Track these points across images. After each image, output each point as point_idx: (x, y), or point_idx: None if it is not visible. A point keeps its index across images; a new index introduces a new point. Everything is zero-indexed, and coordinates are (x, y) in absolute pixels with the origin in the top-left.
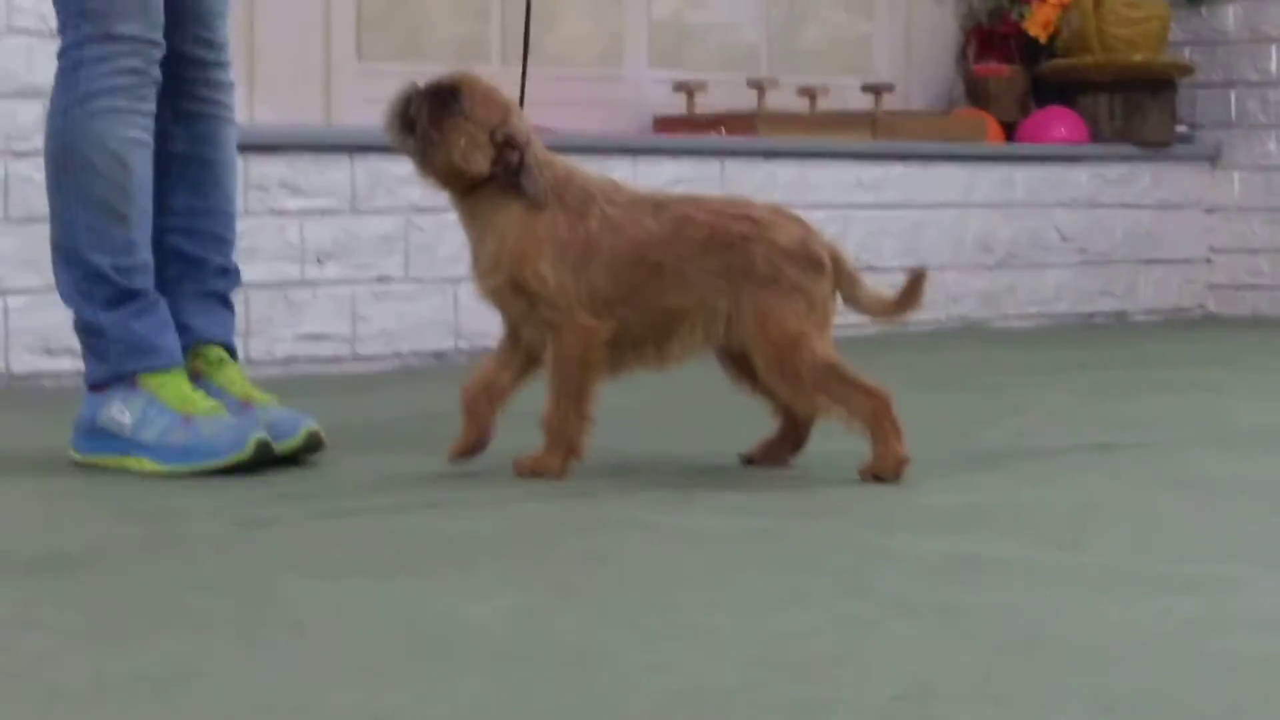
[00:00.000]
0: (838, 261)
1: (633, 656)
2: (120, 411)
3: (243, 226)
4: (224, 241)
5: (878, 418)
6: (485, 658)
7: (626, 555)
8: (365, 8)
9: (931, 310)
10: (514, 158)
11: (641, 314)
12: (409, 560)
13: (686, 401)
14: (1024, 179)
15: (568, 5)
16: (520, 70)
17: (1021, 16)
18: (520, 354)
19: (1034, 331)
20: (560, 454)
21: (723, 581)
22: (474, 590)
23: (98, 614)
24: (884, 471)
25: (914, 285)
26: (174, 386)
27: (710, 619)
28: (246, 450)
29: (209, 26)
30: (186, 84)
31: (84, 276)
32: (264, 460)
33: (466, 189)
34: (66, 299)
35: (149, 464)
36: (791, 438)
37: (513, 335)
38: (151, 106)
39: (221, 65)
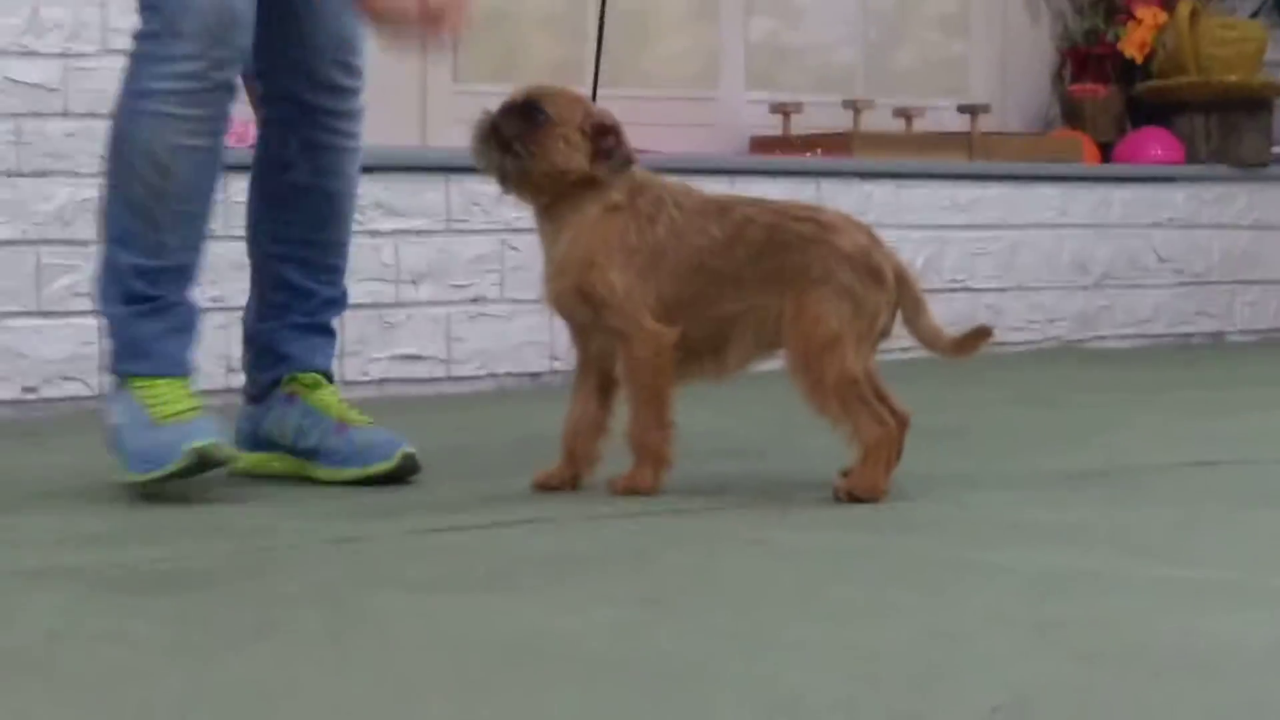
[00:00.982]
0: (904, 282)
1: (728, 670)
2: (113, 413)
3: None
4: (336, 271)
5: (877, 446)
6: (578, 671)
7: (720, 570)
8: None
9: (1027, 331)
10: (611, 141)
11: (700, 323)
12: (501, 576)
13: (777, 418)
14: (1120, 199)
15: (664, 26)
16: (592, 88)
17: (1117, 37)
18: (595, 375)
19: (1130, 351)
20: (650, 467)
21: (817, 595)
22: (567, 604)
23: (189, 629)
24: (861, 493)
25: (976, 336)
26: (162, 393)
27: (805, 633)
28: (180, 461)
29: (352, 50)
30: (320, 115)
31: (107, 269)
32: (203, 468)
33: (556, 196)
34: (94, 286)
35: (125, 471)
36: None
37: (583, 352)
38: (215, 111)
39: (357, 92)
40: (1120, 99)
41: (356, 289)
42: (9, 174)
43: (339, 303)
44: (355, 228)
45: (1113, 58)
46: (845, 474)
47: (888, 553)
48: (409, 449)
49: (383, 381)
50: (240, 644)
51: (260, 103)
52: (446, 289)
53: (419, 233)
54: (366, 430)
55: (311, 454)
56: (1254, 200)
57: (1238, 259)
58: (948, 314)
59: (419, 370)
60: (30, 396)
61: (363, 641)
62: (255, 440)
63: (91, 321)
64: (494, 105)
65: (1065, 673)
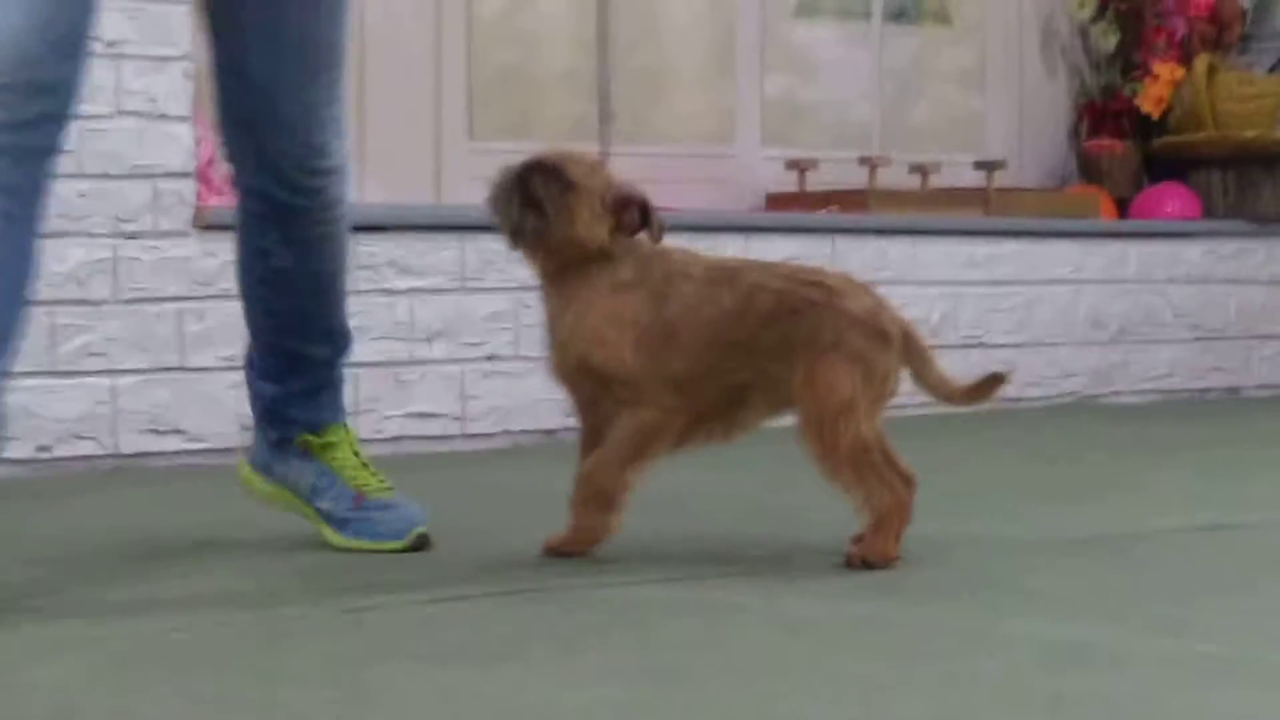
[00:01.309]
0: (909, 338)
1: None
2: None
3: (352, 306)
4: (333, 332)
5: (889, 515)
6: None
7: (727, 642)
8: (476, 86)
9: (1043, 386)
10: (634, 215)
11: (714, 392)
12: (511, 647)
13: (785, 477)
14: (1136, 255)
15: (679, 83)
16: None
17: (1134, 93)
18: (598, 440)
19: (1146, 407)
20: (595, 511)
21: (825, 669)
22: (575, 679)
23: (198, 706)
24: (874, 560)
25: (989, 383)
26: None
27: (812, 709)
28: None
29: (322, 155)
30: (295, 212)
31: None
32: None
33: (564, 263)
34: None
35: None
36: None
37: (586, 421)
38: (24, 175)
39: (330, 180)
40: (1137, 154)
41: (370, 347)
42: None
43: (341, 353)
44: (369, 286)
45: (1129, 113)
46: (857, 540)
47: (899, 623)
48: (422, 528)
49: (397, 439)
50: None
51: (234, 189)
52: (461, 346)
53: (433, 290)
54: (382, 502)
55: (326, 516)
56: (1271, 255)
57: (1255, 314)
58: (963, 369)
59: (433, 428)
60: (44, 456)
61: (373, 715)
62: (272, 474)
63: (105, 381)
64: (515, 162)
65: None
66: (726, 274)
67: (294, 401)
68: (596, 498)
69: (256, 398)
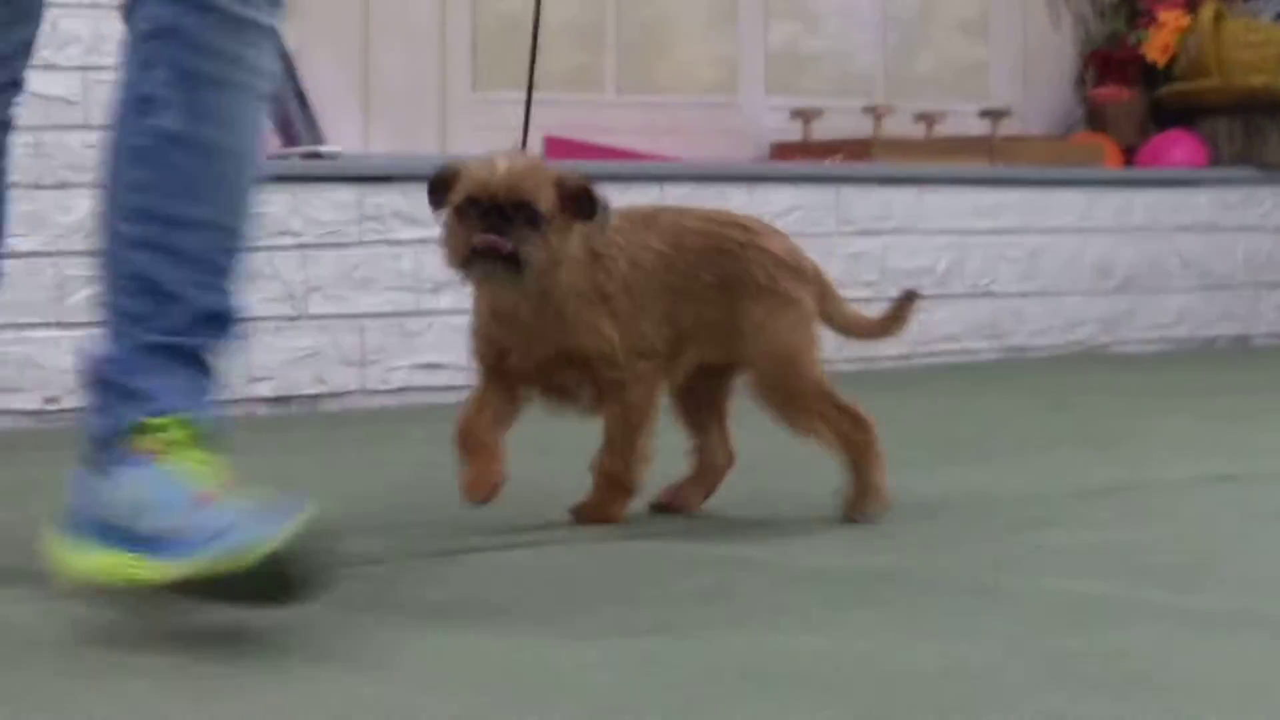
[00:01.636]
0: (820, 277)
1: (741, 705)
2: None
3: (358, 256)
4: (219, 271)
5: (866, 449)
6: (589, 710)
7: (735, 594)
8: (480, 37)
9: (1050, 335)
10: (585, 202)
11: (664, 340)
12: (513, 601)
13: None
14: (1143, 203)
15: (683, 33)
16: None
17: (1140, 41)
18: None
19: (1154, 356)
20: (621, 499)
21: (833, 622)
22: (581, 633)
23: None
24: (873, 508)
25: (900, 309)
26: None
27: (822, 664)
28: None
29: None
30: (205, 29)
31: None
32: None
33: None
34: None
35: None
36: (706, 482)
37: (557, 409)
38: None
39: None
40: (1143, 103)
41: (377, 298)
42: (29, 186)
43: (222, 319)
44: (374, 237)
45: (1135, 61)
46: (661, 506)
47: (907, 577)
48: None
49: (403, 390)
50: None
51: (124, 13)
52: (467, 297)
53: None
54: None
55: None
56: (1278, 202)
57: (1262, 262)
58: (970, 319)
59: (440, 379)
60: (51, 408)
61: (369, 672)
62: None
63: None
64: (469, 220)
65: (1081, 707)
66: (644, 217)
67: (143, 366)
68: (623, 490)
69: (94, 377)
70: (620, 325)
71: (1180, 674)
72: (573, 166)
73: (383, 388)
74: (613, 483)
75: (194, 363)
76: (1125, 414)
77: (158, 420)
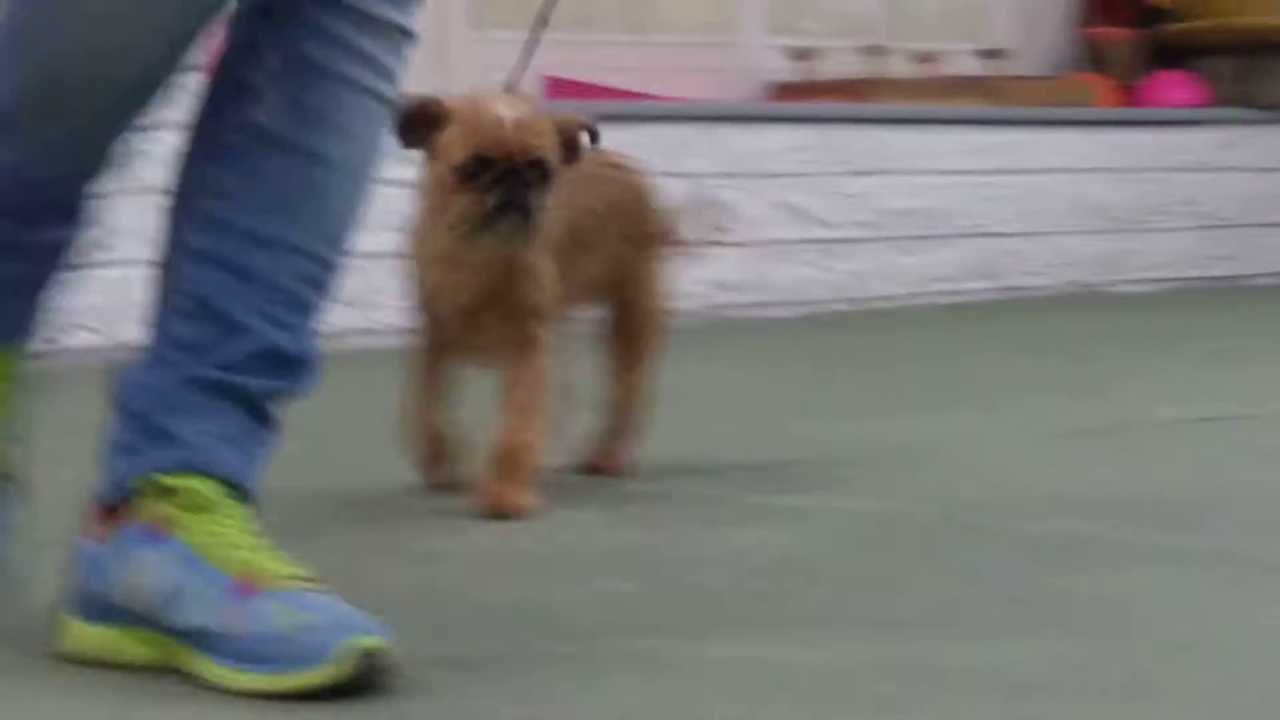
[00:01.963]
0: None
1: (720, 648)
2: None
3: None
4: (300, 306)
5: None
6: (567, 647)
7: (723, 542)
8: None
9: (1047, 275)
10: (577, 147)
11: (574, 296)
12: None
13: (784, 376)
14: (1141, 143)
15: None
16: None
17: None
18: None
19: (1151, 296)
20: (530, 485)
21: (825, 569)
22: (566, 578)
23: None
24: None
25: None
26: None
27: (812, 609)
28: None
29: None
30: (329, 12)
31: None
32: None
33: None
34: None
35: None
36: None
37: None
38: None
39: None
40: (1142, 42)
41: (374, 238)
42: None
43: (292, 363)
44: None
45: (1134, 1)
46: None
47: (892, 521)
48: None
49: (395, 331)
50: None
51: None
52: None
53: None
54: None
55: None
56: (1276, 143)
57: (1259, 202)
58: (967, 257)
59: None
60: (51, 347)
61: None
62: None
63: (113, 273)
64: (480, 179)
65: (1064, 649)
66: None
67: (184, 402)
68: (529, 473)
69: (123, 411)
70: (559, 281)
71: (1166, 617)
72: (556, 107)
73: (376, 328)
74: (516, 466)
75: (249, 408)
76: (1122, 355)
77: (184, 480)
